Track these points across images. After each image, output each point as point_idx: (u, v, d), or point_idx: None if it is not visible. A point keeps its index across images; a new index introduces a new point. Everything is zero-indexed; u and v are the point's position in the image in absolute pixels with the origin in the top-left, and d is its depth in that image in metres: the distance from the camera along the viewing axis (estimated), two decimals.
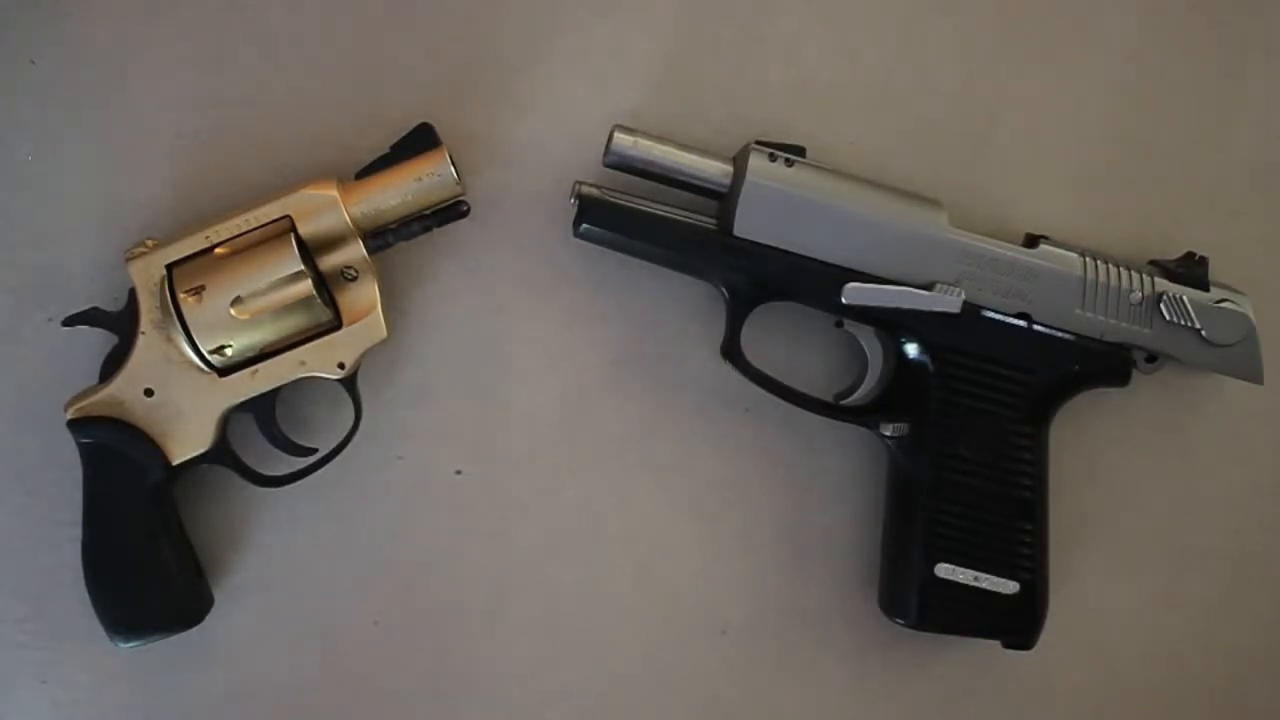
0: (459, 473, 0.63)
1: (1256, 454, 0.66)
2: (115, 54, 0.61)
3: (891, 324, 0.57)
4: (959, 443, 0.55)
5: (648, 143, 0.56)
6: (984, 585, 0.54)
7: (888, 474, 0.61)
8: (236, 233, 0.56)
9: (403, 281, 0.62)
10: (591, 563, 0.64)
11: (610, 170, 0.58)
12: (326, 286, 0.57)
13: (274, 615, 0.62)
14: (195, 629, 0.60)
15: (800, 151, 0.56)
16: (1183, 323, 0.56)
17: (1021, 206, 0.64)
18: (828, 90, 0.64)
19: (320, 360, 0.58)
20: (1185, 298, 0.56)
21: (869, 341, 0.59)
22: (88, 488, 0.57)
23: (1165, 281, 0.57)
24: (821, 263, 0.55)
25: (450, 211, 0.58)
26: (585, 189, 0.56)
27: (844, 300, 0.56)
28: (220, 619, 0.61)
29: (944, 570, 0.54)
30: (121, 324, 0.57)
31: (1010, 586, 0.55)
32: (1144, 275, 0.57)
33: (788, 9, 0.64)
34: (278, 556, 0.62)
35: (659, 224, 0.56)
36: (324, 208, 0.56)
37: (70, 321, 0.58)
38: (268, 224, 0.56)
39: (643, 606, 0.64)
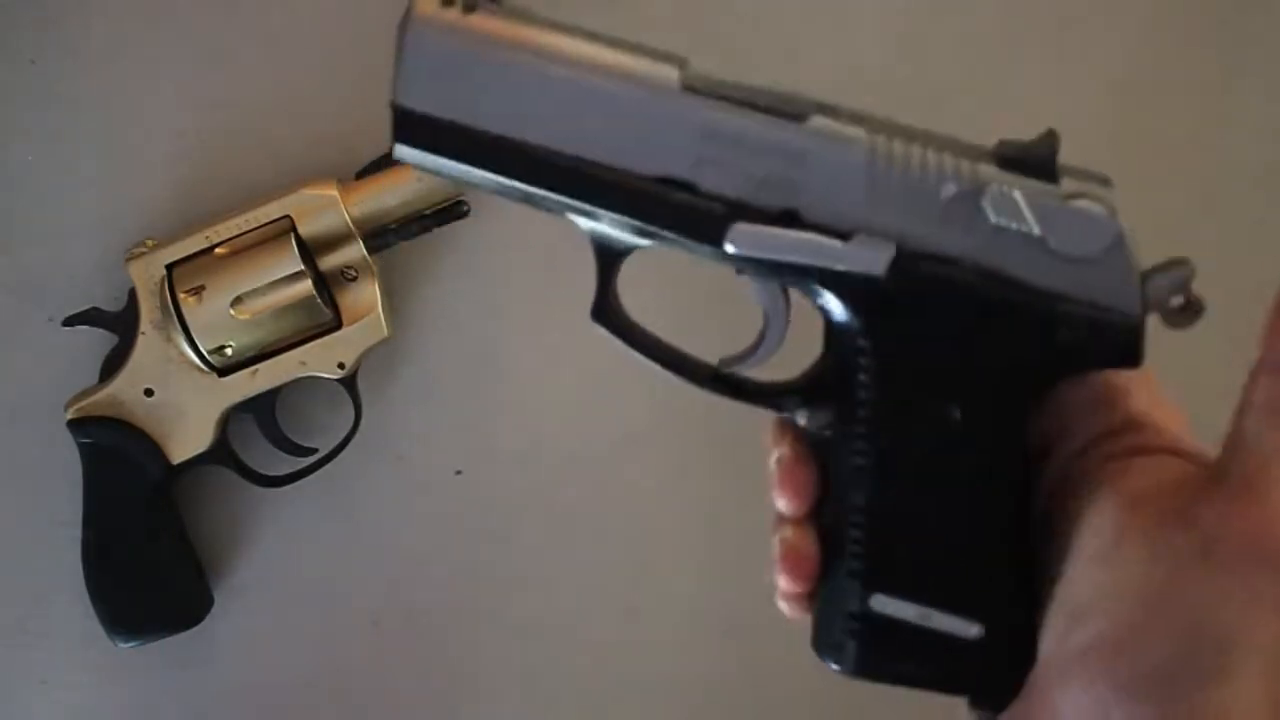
0: (459, 473, 0.63)
1: None
2: (115, 54, 0.60)
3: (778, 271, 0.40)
4: (902, 437, 0.40)
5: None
6: (936, 626, 0.41)
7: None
8: (236, 233, 0.56)
9: (403, 281, 0.62)
10: (591, 563, 0.64)
11: None
12: (326, 286, 0.57)
13: (274, 615, 0.62)
14: (195, 629, 0.60)
15: None
16: (1016, 227, 0.39)
17: None
18: (828, 90, 0.64)
19: (320, 360, 0.58)
20: (1017, 191, 0.39)
21: (761, 291, 0.42)
22: (88, 488, 0.58)
23: (992, 169, 0.40)
24: (512, 143, 0.39)
25: (450, 211, 0.58)
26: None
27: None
28: (220, 619, 0.61)
29: (882, 604, 0.41)
30: (121, 324, 0.57)
31: (971, 629, 0.40)
32: (960, 160, 0.40)
33: (788, 9, 0.64)
34: (278, 556, 0.62)
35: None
36: (324, 208, 0.56)
37: (70, 321, 0.58)
38: (268, 224, 0.56)
39: (643, 606, 0.64)
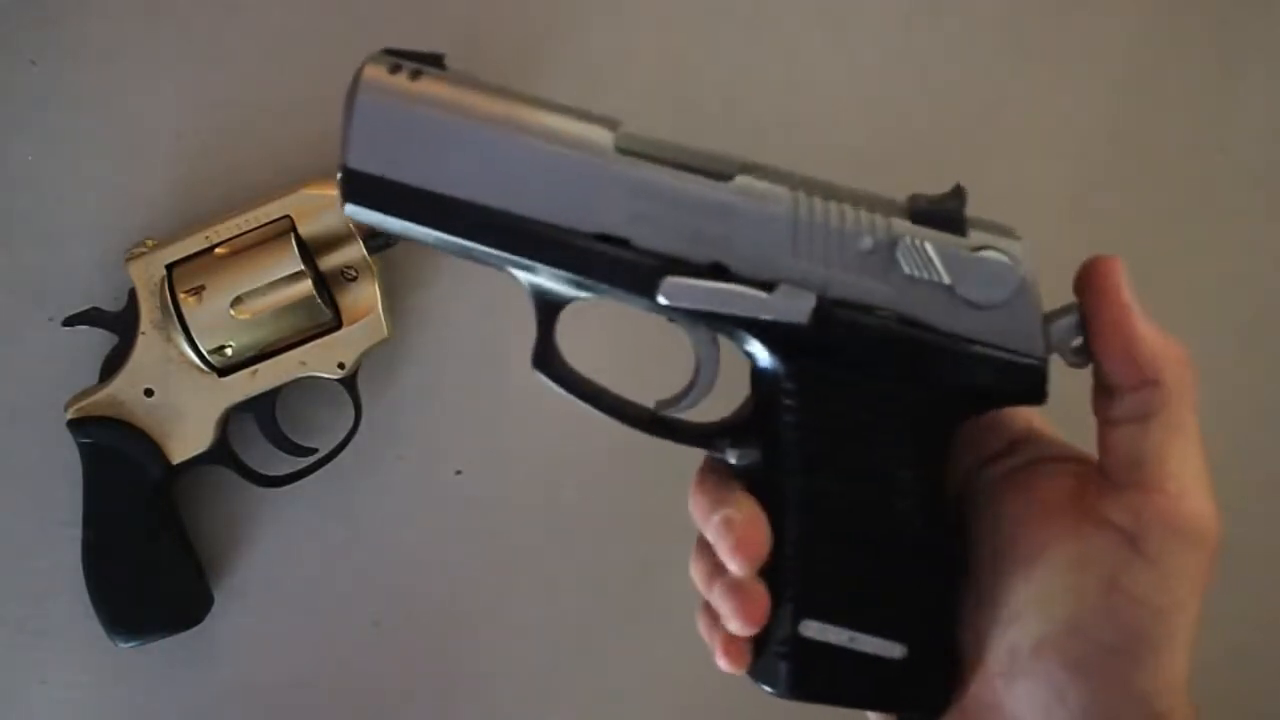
0: (459, 473, 0.63)
1: (1242, 452, 0.66)
2: (115, 54, 0.60)
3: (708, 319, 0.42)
4: (826, 473, 0.43)
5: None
6: (862, 648, 0.43)
7: None
8: (236, 233, 0.56)
9: (403, 281, 0.62)
10: (591, 563, 0.64)
11: None
12: (326, 286, 0.57)
13: (274, 615, 0.62)
14: (195, 629, 0.60)
15: (438, 61, 0.42)
16: (927, 276, 0.41)
17: (1019, 207, 0.64)
18: (828, 90, 0.64)
19: (320, 360, 0.58)
20: (928, 243, 0.42)
21: (693, 336, 0.45)
22: (88, 488, 0.58)
23: (905, 223, 0.42)
24: (461, 203, 0.41)
25: None
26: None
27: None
28: (220, 619, 0.61)
29: (812, 629, 0.43)
30: (121, 324, 0.57)
31: (895, 650, 0.43)
32: (875, 215, 0.42)
33: (788, 9, 0.64)
34: (278, 556, 0.62)
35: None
36: (324, 208, 0.56)
37: (70, 321, 0.58)
38: (268, 224, 0.56)
39: (643, 606, 0.64)
